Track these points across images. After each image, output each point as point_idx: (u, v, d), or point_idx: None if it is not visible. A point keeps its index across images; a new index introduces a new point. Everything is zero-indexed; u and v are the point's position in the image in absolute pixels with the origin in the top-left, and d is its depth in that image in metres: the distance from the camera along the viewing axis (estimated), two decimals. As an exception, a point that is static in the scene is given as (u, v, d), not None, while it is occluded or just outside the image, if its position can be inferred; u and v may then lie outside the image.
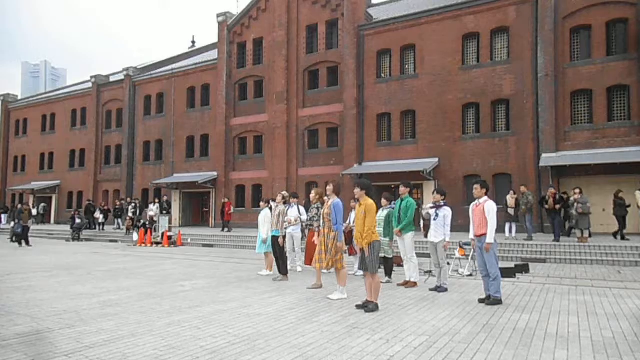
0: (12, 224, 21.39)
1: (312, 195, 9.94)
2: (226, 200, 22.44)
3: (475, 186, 7.03)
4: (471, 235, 7.04)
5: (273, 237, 9.34)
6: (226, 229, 21.11)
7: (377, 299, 6.31)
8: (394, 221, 8.44)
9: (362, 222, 6.27)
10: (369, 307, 6.18)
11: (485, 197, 6.92)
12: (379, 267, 6.80)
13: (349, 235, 9.32)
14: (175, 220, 25.57)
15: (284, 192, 10.28)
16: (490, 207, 6.75)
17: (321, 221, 7.84)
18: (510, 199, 15.27)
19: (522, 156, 18.08)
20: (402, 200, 8.54)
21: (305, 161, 23.24)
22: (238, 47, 26.08)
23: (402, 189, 8.67)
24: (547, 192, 14.66)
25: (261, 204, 10.39)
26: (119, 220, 24.39)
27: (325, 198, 7.91)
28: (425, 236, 8.38)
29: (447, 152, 19.46)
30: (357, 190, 6.54)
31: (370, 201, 6.39)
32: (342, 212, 7.28)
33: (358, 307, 6.35)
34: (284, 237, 9.52)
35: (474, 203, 7.05)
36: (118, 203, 25.47)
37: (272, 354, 4.41)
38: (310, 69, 23.54)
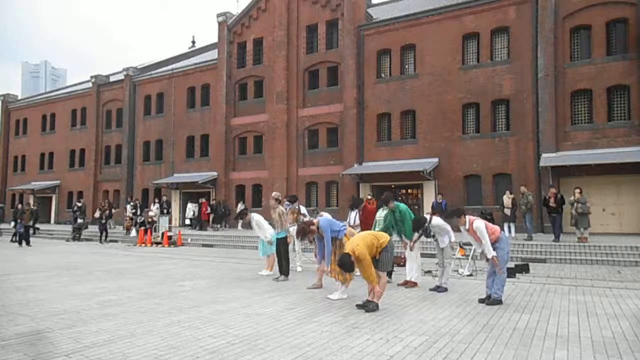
0: (12, 224, 21.41)
1: (290, 217, 9.74)
2: (203, 200, 23.39)
3: (453, 219, 7.13)
4: (479, 250, 7.13)
5: (279, 239, 9.37)
6: (200, 228, 22.56)
7: (380, 299, 6.32)
8: (391, 230, 8.37)
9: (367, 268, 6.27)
10: (369, 307, 6.19)
11: (468, 219, 6.89)
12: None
13: None
14: (175, 220, 25.58)
15: (275, 193, 10.11)
16: (477, 226, 6.72)
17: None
18: (507, 199, 15.25)
19: (522, 156, 18.07)
20: (393, 211, 8.38)
21: (305, 161, 23.23)
22: (238, 47, 26.08)
23: (391, 205, 8.41)
24: (547, 192, 14.67)
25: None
26: (110, 221, 24.54)
27: (304, 218, 7.89)
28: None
29: (447, 152, 19.45)
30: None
31: (358, 252, 6.14)
32: (328, 228, 7.34)
33: (358, 306, 6.35)
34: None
35: (463, 228, 7.00)
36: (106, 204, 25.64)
37: (272, 354, 4.41)
38: (310, 69, 23.53)
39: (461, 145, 19.29)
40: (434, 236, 8.15)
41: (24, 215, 18.95)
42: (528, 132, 18.03)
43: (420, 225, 7.93)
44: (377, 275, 6.29)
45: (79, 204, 23.82)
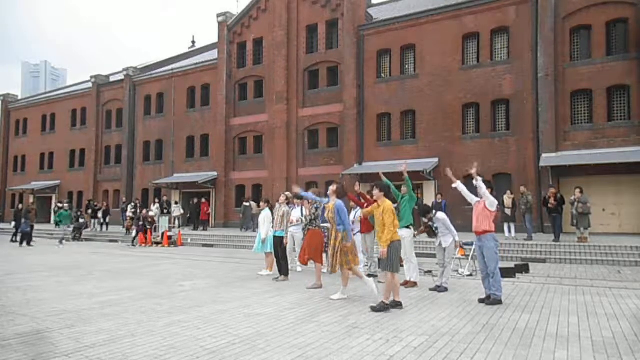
0: (13, 223, 21.42)
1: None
2: (203, 200, 23.44)
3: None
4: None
5: (276, 237, 9.33)
6: (201, 228, 22.64)
7: (398, 296, 6.38)
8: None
9: (381, 223, 6.32)
10: (377, 307, 6.15)
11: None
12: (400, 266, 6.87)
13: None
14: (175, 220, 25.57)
15: (288, 193, 10.24)
16: (492, 202, 7.08)
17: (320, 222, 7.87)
18: (507, 199, 15.25)
19: (522, 156, 18.07)
20: (402, 197, 8.55)
21: (305, 161, 23.24)
22: (238, 47, 26.08)
23: (404, 190, 8.64)
24: (547, 192, 14.66)
25: (261, 204, 10.41)
26: (95, 221, 24.76)
27: (325, 199, 7.87)
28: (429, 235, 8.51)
29: (447, 152, 19.44)
30: (376, 192, 6.58)
31: (389, 202, 6.49)
32: (346, 212, 7.29)
33: (393, 306, 6.28)
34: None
35: (476, 200, 7.23)
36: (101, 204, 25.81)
37: (272, 354, 4.41)
38: (310, 69, 23.53)
39: (461, 145, 19.29)
40: (436, 234, 8.13)
41: (30, 215, 18.95)
42: (528, 132, 18.03)
43: (427, 211, 8.22)
44: (391, 276, 6.25)
45: (61, 205, 23.73)
